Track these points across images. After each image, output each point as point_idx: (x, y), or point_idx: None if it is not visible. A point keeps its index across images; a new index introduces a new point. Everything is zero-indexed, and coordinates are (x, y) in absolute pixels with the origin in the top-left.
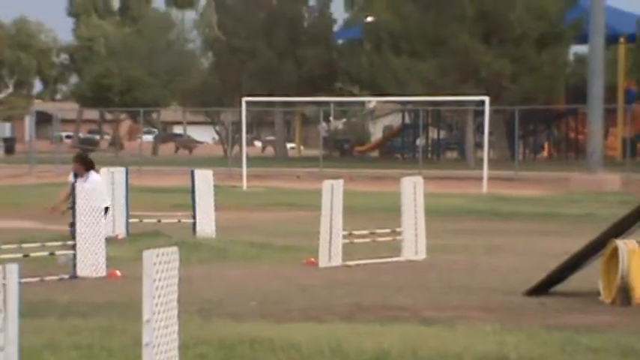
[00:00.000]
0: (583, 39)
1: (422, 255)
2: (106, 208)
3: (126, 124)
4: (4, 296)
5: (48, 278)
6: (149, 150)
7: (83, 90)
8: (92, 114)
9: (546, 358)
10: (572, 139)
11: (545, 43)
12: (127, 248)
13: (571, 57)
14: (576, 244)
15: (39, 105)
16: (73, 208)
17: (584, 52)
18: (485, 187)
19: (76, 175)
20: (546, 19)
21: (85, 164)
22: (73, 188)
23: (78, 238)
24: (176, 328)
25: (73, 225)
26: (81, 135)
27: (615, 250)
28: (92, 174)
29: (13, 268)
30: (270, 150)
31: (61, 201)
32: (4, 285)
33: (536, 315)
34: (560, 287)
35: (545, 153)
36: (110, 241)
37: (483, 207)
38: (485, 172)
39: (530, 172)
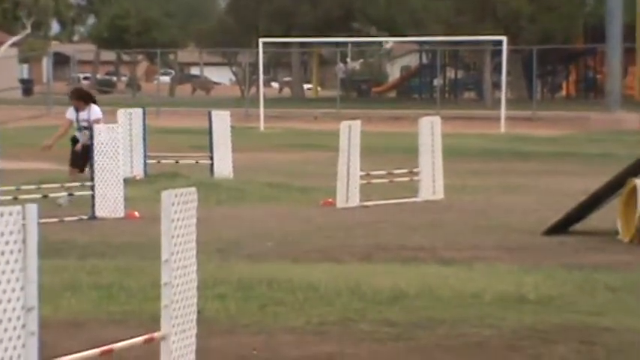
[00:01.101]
0: None
1: (439, 195)
2: None
3: (143, 66)
4: (23, 236)
5: (67, 219)
6: (166, 91)
7: (100, 31)
8: (109, 55)
9: (565, 297)
10: (591, 78)
11: None
12: (145, 189)
13: None
14: (595, 183)
15: (56, 46)
16: (90, 148)
17: None
18: (503, 127)
19: (76, 110)
20: None
21: (83, 98)
22: (91, 128)
23: (96, 178)
24: (194, 268)
25: (91, 166)
26: (98, 76)
27: (634, 189)
28: (93, 107)
29: (32, 208)
30: (287, 91)
31: (57, 138)
32: (23, 225)
33: (555, 254)
34: (578, 226)
35: (563, 92)
36: (128, 181)
37: (501, 147)
38: (503, 111)
39: (549, 112)
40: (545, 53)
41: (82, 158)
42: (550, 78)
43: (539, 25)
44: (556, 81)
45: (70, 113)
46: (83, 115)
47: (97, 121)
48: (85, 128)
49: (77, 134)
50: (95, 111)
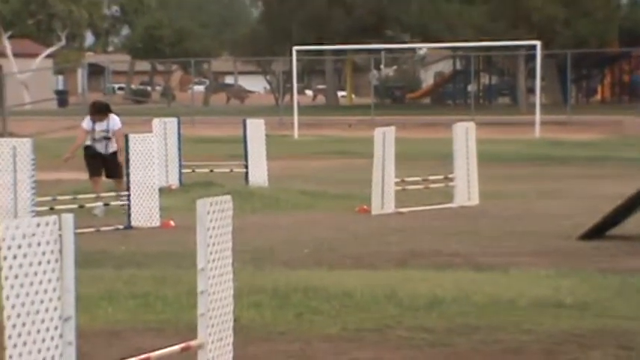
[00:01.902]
0: None
1: (475, 201)
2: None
3: (177, 75)
4: (60, 246)
5: (103, 229)
6: (201, 100)
7: (134, 42)
8: (144, 65)
9: (601, 302)
10: (626, 82)
11: None
12: (180, 198)
13: (624, 0)
14: (630, 187)
15: (91, 57)
16: (126, 158)
17: None
18: (537, 132)
19: (93, 121)
20: None
21: (102, 110)
22: (127, 139)
23: (132, 188)
24: (230, 276)
25: (127, 175)
26: (133, 86)
27: None
28: (112, 116)
29: (68, 219)
30: (321, 98)
31: (75, 149)
32: (60, 235)
33: (591, 259)
34: (614, 231)
35: (598, 96)
36: (163, 191)
37: (536, 152)
38: (538, 116)
39: (584, 116)
40: (580, 57)
41: (117, 167)
42: (585, 82)
43: (574, 30)
44: (591, 85)
45: (87, 123)
46: (102, 125)
47: (120, 131)
48: (106, 138)
49: (96, 145)
50: (115, 121)
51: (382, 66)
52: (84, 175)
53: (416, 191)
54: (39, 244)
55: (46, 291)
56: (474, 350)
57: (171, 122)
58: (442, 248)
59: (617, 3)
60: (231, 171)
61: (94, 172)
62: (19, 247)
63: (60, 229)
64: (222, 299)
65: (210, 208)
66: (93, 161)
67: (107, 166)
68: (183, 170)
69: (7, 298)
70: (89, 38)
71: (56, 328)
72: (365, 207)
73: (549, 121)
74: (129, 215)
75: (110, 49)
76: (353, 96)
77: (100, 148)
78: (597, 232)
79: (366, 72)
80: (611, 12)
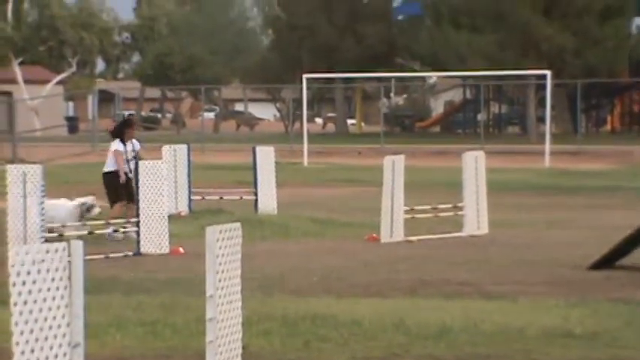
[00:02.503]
0: None
1: (484, 230)
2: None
3: (187, 102)
4: (69, 273)
5: (112, 255)
6: (210, 127)
7: (145, 68)
8: (154, 92)
9: (611, 333)
10: (636, 112)
11: (608, 15)
12: (189, 225)
13: (634, 29)
14: None
15: (101, 84)
16: (136, 185)
17: None
18: (547, 162)
19: (124, 143)
20: None
21: (113, 133)
22: (136, 165)
23: (141, 215)
24: (239, 303)
25: (137, 202)
26: (143, 113)
27: None
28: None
29: (78, 245)
30: (330, 126)
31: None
32: (69, 262)
33: (601, 289)
34: (624, 261)
35: (608, 126)
36: (173, 218)
37: (546, 181)
38: (548, 146)
39: (594, 146)
40: (590, 87)
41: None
42: (595, 112)
43: (584, 59)
44: (601, 115)
45: (120, 145)
46: (129, 145)
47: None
48: (134, 158)
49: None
50: (135, 142)
51: (392, 94)
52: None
53: (425, 220)
54: (48, 271)
55: (54, 317)
56: None
57: (181, 149)
58: (451, 277)
59: (627, 32)
60: (241, 198)
61: (122, 197)
62: (29, 273)
63: (69, 255)
64: (230, 327)
65: (219, 235)
66: (121, 185)
67: (130, 189)
68: (193, 197)
69: (16, 324)
70: (100, 65)
71: (65, 354)
72: (374, 235)
73: (559, 151)
74: (138, 242)
75: (121, 75)
76: (362, 124)
77: (127, 169)
78: (607, 262)
79: (376, 100)
80: (621, 41)
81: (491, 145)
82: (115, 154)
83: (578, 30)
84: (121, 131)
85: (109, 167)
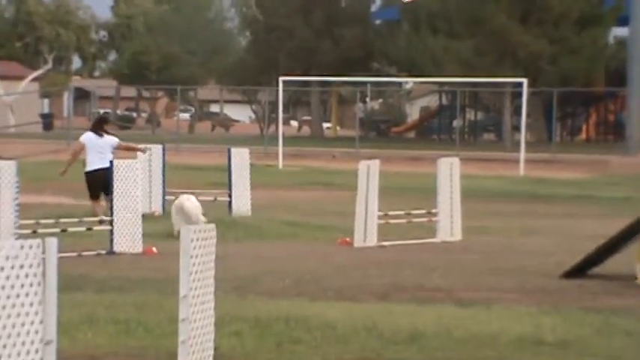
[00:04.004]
0: (624, 21)
1: (457, 236)
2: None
3: (163, 102)
4: (43, 269)
5: (85, 253)
6: (186, 128)
7: (121, 67)
8: (130, 91)
9: (583, 341)
10: (611, 121)
11: (585, 24)
12: (163, 225)
13: (611, 39)
14: (614, 227)
15: (77, 81)
16: (109, 185)
17: (624, 34)
18: (522, 170)
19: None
20: (586, 0)
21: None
22: (111, 165)
23: (115, 214)
24: (212, 304)
25: (110, 201)
26: (118, 112)
27: None
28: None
29: (52, 242)
30: (306, 129)
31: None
32: (43, 259)
33: (573, 297)
34: (597, 270)
35: (583, 135)
36: (147, 217)
37: (520, 189)
38: (522, 154)
39: (568, 155)
40: (566, 96)
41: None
42: (570, 121)
43: (560, 68)
44: (576, 124)
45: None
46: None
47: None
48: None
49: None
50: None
51: (368, 99)
52: (66, 200)
53: (399, 225)
54: (22, 267)
55: (27, 314)
56: None
57: (156, 149)
58: (424, 282)
59: (604, 42)
60: (215, 199)
61: (95, 194)
62: (2, 269)
63: (43, 252)
64: (203, 327)
65: (193, 235)
66: (95, 183)
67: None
68: (167, 197)
69: None
70: (76, 62)
71: (37, 351)
72: (347, 239)
73: (534, 159)
74: (111, 240)
75: (97, 73)
76: (338, 128)
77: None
78: (579, 270)
79: (352, 104)
80: (597, 51)
81: (466, 151)
82: (74, 145)
83: (554, 38)
84: (95, 125)
85: (88, 166)
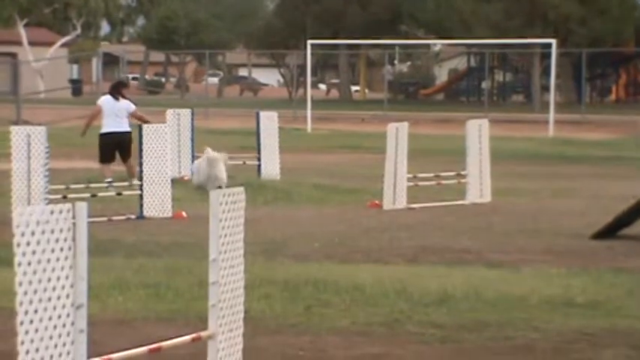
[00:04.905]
0: None
1: (487, 198)
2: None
3: (191, 67)
4: (73, 234)
5: (115, 218)
6: (214, 92)
7: (149, 32)
8: (158, 56)
9: (613, 301)
10: None
11: None
12: (192, 189)
13: None
14: None
15: (106, 47)
16: (126, 149)
17: None
18: (551, 131)
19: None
20: None
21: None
22: (140, 129)
23: (144, 178)
24: (242, 267)
25: (140, 166)
26: (147, 77)
27: None
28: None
29: (82, 207)
30: (334, 93)
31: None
32: (73, 224)
33: (603, 258)
34: (627, 231)
35: (612, 96)
36: (176, 182)
37: (549, 150)
38: (552, 115)
39: (598, 116)
40: (595, 56)
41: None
42: (599, 81)
43: (589, 28)
44: (605, 84)
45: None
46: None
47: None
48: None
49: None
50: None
51: (396, 61)
52: (95, 165)
53: (428, 187)
54: (52, 232)
55: (58, 278)
56: (484, 347)
57: (185, 113)
58: (453, 244)
59: (632, 3)
60: (244, 163)
61: (107, 158)
62: (33, 233)
63: (74, 217)
64: (233, 290)
65: (223, 199)
66: (109, 147)
67: (125, 148)
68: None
69: (20, 284)
70: (105, 28)
71: (68, 315)
72: (376, 202)
73: (563, 120)
74: (141, 205)
75: (125, 39)
76: (366, 91)
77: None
78: (609, 231)
79: (380, 67)
80: (627, 11)
81: (495, 113)
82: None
83: None
84: (113, 89)
85: (103, 128)
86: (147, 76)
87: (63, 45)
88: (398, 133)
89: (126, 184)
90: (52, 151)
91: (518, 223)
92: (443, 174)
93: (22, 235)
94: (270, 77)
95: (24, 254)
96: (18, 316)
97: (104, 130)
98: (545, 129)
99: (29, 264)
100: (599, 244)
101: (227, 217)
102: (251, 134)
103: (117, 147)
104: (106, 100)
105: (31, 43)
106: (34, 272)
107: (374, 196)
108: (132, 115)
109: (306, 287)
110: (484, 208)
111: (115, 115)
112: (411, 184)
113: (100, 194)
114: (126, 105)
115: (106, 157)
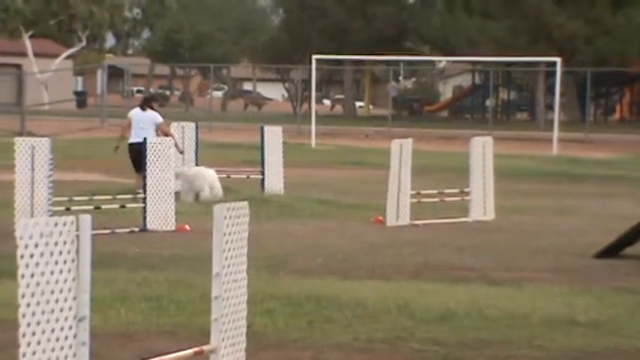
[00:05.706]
0: None
1: (490, 216)
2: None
3: (196, 80)
4: (77, 246)
5: (118, 230)
6: (218, 106)
7: (154, 45)
8: (163, 69)
9: (615, 321)
10: None
11: (620, 4)
12: (196, 203)
13: None
14: None
15: (111, 59)
16: (143, 162)
17: None
18: (555, 149)
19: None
20: None
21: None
22: (144, 142)
23: (148, 191)
24: (245, 282)
25: (144, 179)
26: (152, 90)
27: None
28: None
29: (86, 219)
30: (338, 108)
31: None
32: (77, 236)
33: (606, 277)
34: (629, 250)
35: (617, 115)
36: (180, 195)
37: (553, 169)
38: (556, 133)
39: (602, 135)
40: (600, 75)
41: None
42: (604, 100)
43: (595, 48)
44: (610, 104)
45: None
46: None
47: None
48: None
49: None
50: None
51: (401, 78)
52: (99, 177)
53: (431, 204)
54: (56, 244)
55: (61, 290)
56: None
57: (189, 127)
58: (456, 262)
59: (639, 22)
60: (248, 177)
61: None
62: (36, 245)
63: (77, 229)
64: (235, 305)
65: (227, 213)
66: (133, 157)
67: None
68: None
69: (23, 296)
70: (110, 40)
71: (70, 327)
72: (380, 218)
73: (567, 139)
74: (144, 218)
75: (130, 51)
76: (371, 107)
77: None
78: (612, 251)
79: (385, 83)
80: (632, 31)
81: (499, 131)
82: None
83: (589, 18)
84: (142, 102)
85: (130, 139)
86: (151, 89)
87: (68, 57)
88: (402, 150)
89: (129, 196)
90: (56, 163)
91: (521, 241)
92: (446, 191)
93: (26, 246)
94: (274, 92)
95: (27, 266)
96: (20, 327)
97: (129, 140)
98: (549, 147)
99: (32, 276)
100: (602, 263)
101: (231, 231)
102: (255, 148)
103: (136, 157)
104: (134, 112)
105: (36, 55)
106: (37, 284)
107: (377, 212)
108: (160, 129)
109: (309, 302)
110: (487, 226)
111: (139, 126)
112: (415, 200)
113: (104, 206)
114: (152, 116)
115: (133, 167)
